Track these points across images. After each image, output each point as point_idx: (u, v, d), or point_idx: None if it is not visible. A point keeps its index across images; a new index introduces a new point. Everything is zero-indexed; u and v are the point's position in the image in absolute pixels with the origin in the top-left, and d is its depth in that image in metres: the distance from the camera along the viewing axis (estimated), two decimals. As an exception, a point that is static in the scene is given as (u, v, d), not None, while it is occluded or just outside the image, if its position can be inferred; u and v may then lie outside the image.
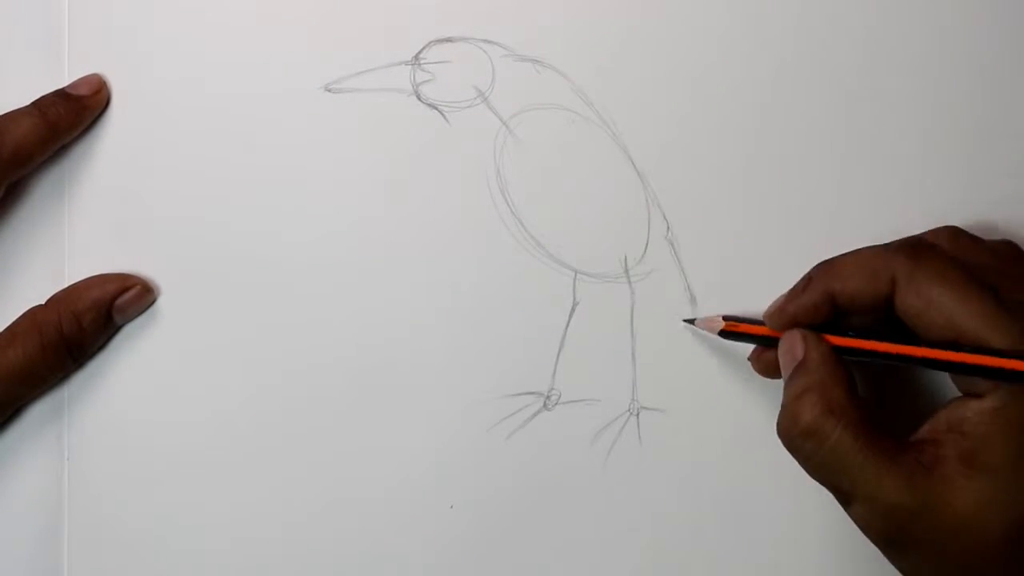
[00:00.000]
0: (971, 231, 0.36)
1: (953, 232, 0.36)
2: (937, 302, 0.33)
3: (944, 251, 0.35)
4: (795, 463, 0.36)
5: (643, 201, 0.40)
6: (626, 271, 0.40)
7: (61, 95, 0.38)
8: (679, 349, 0.40)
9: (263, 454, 0.39)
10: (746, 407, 0.39)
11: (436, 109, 0.39)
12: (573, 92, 0.39)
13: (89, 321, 0.38)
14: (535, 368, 0.40)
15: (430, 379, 0.39)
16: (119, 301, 0.38)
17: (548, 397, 0.40)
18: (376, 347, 0.39)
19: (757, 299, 0.38)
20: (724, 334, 0.37)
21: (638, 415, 0.40)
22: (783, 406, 0.34)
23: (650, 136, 0.40)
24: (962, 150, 0.40)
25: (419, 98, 0.39)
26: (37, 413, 0.39)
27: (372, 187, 0.39)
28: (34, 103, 0.38)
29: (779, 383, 0.35)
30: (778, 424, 0.34)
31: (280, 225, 0.39)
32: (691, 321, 0.39)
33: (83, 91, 0.38)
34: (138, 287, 0.38)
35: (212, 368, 0.39)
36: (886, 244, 0.35)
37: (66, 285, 0.39)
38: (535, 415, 0.40)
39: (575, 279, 0.40)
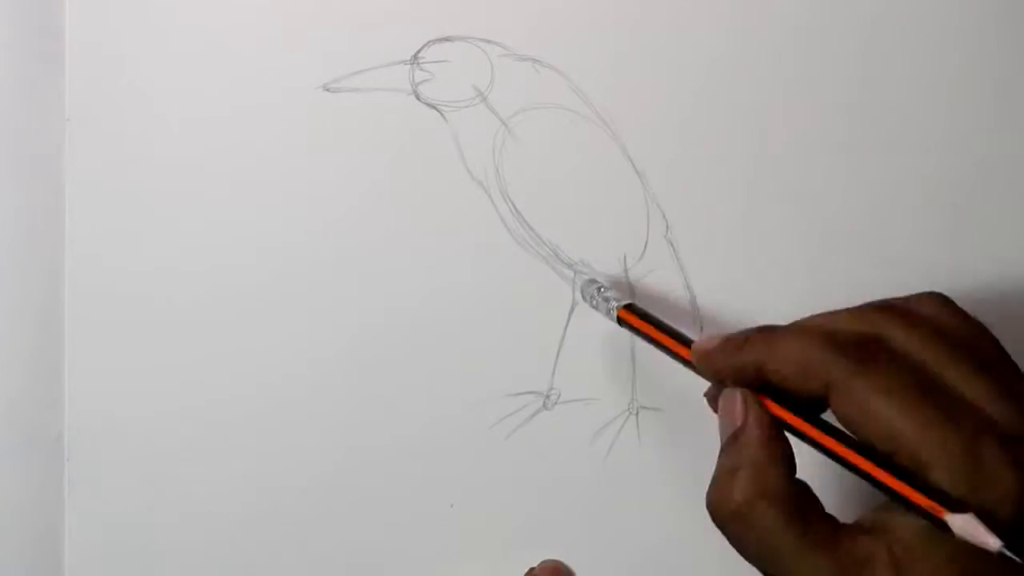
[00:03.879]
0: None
1: (940, 301, 0.33)
2: (875, 415, 0.30)
3: (890, 356, 0.31)
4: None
5: (642, 200, 0.40)
6: (625, 271, 0.40)
7: None
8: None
9: (263, 454, 0.39)
10: (745, 407, 0.40)
11: (435, 108, 0.39)
12: (572, 91, 0.39)
13: None
14: (535, 367, 0.40)
15: (430, 378, 0.40)
16: None
17: (548, 396, 0.40)
18: (376, 347, 0.39)
19: (756, 297, 0.38)
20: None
21: (637, 414, 0.40)
22: (714, 477, 0.32)
23: (649, 135, 0.40)
24: (965, 153, 0.40)
25: (418, 97, 0.39)
26: (37, 413, 0.39)
27: (371, 187, 0.39)
28: None
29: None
30: (707, 497, 0.32)
31: (278, 224, 0.39)
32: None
33: None
34: None
35: (213, 368, 0.39)
36: (833, 335, 0.31)
37: (65, 288, 0.39)
38: (535, 414, 0.40)
39: (575, 279, 0.40)
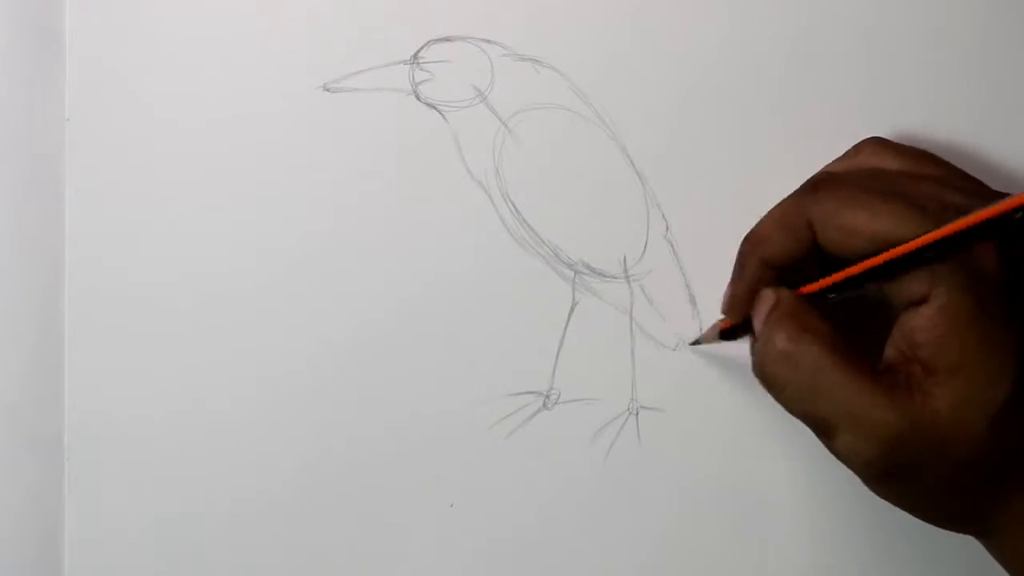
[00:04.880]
0: None
1: (875, 143, 0.36)
2: (853, 227, 0.32)
3: (845, 177, 0.35)
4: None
5: (642, 200, 0.40)
6: (625, 271, 0.40)
7: None
8: (678, 349, 0.40)
9: (263, 454, 0.39)
10: (745, 407, 0.40)
11: (435, 109, 0.39)
12: (572, 92, 0.39)
13: None
14: (535, 367, 0.40)
15: (430, 378, 0.40)
16: None
17: (548, 396, 0.40)
18: (375, 347, 0.39)
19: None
20: (724, 334, 0.38)
21: (637, 414, 0.40)
22: (757, 344, 0.34)
23: (649, 136, 0.40)
24: (964, 154, 0.40)
25: (418, 97, 0.39)
26: (37, 413, 0.39)
27: (371, 186, 0.39)
28: None
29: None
30: (753, 361, 0.34)
31: (278, 225, 0.39)
32: (697, 342, 0.39)
33: None
34: None
35: (213, 368, 0.39)
36: (792, 194, 0.35)
37: (65, 288, 0.39)
38: (535, 414, 0.40)
39: (574, 279, 0.40)
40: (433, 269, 0.39)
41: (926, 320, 0.31)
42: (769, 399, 0.39)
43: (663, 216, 0.40)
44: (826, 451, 0.33)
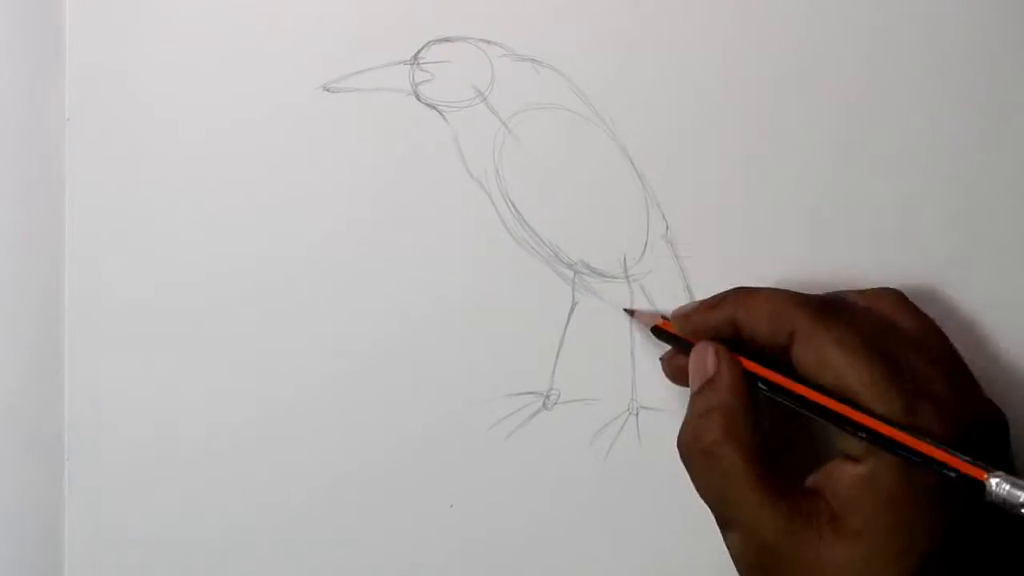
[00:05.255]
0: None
1: (897, 298, 0.36)
2: (829, 363, 0.33)
3: (852, 315, 0.35)
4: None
5: (642, 201, 0.40)
6: (625, 271, 0.40)
7: None
8: (678, 349, 0.40)
9: (263, 454, 0.39)
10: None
11: (435, 109, 0.39)
12: (572, 92, 0.39)
13: None
14: (535, 368, 0.40)
15: (430, 379, 0.40)
16: None
17: (548, 397, 0.40)
18: (375, 347, 0.39)
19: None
20: (656, 332, 0.38)
21: (637, 415, 0.40)
22: (686, 419, 0.35)
23: (649, 136, 0.40)
24: (965, 154, 0.40)
25: (418, 98, 0.39)
26: (37, 413, 0.39)
27: (371, 187, 0.39)
28: None
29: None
30: (679, 436, 0.35)
31: (279, 225, 0.39)
32: (631, 312, 0.39)
33: None
34: None
35: (212, 368, 0.39)
36: (801, 295, 0.35)
37: (65, 288, 0.39)
38: (535, 415, 0.40)
39: (574, 279, 0.40)
40: (433, 269, 0.39)
41: (851, 479, 0.32)
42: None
43: (663, 216, 0.40)
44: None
